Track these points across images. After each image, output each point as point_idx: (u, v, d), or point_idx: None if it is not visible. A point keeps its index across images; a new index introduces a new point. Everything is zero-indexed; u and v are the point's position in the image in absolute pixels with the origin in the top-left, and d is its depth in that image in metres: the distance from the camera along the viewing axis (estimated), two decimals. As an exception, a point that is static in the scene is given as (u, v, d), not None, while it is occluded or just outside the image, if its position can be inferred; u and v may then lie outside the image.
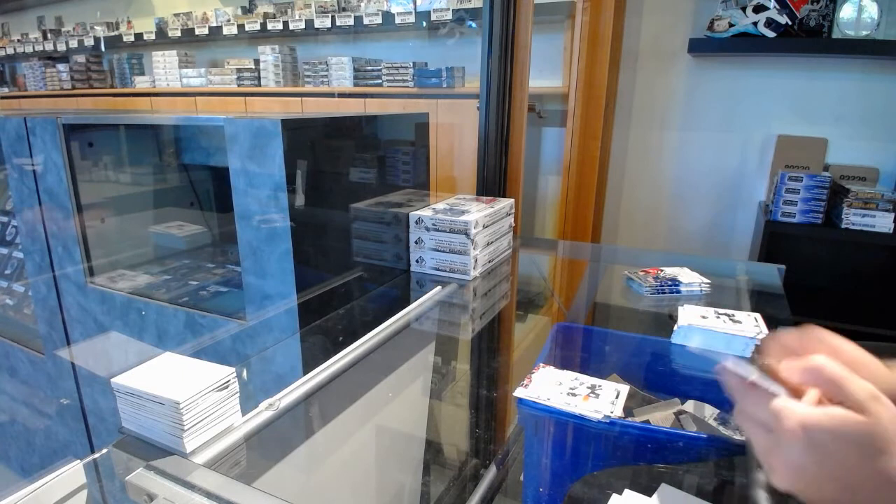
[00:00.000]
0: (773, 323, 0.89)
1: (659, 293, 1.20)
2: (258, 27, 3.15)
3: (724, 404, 0.82)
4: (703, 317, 0.93)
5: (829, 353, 0.48)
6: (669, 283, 1.22)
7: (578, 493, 0.65)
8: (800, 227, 2.04)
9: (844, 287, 2.27)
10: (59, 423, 1.87)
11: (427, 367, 1.17)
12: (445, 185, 2.38)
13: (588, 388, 0.72)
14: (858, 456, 0.41)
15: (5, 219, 2.15)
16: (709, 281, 1.23)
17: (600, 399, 0.69)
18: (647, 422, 0.79)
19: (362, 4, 2.86)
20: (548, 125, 2.65)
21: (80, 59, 4.05)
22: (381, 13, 2.74)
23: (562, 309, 1.37)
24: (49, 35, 4.34)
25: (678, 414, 0.81)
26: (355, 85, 2.85)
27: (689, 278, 1.24)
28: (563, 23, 2.52)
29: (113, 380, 0.67)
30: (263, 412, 0.75)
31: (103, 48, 4.01)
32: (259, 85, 3.21)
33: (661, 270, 1.29)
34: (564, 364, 0.85)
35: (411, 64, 2.65)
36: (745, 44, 2.13)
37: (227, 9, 3.36)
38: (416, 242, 1.35)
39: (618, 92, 2.54)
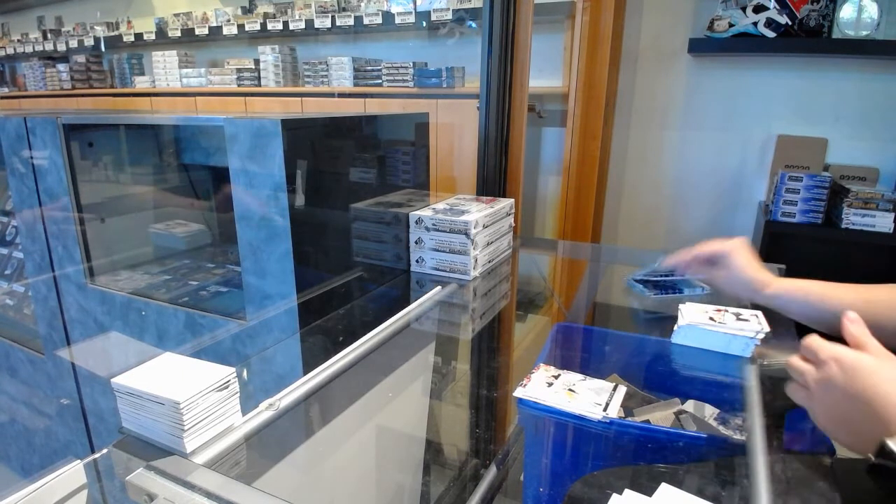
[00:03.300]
0: (773, 322, 0.89)
1: (659, 293, 1.20)
2: (258, 27, 3.15)
3: (723, 404, 0.82)
4: (704, 316, 0.93)
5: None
6: (670, 283, 1.22)
7: (578, 493, 0.65)
8: (800, 227, 2.04)
9: (844, 287, 2.26)
10: (59, 423, 1.87)
11: (427, 367, 1.17)
12: (445, 185, 2.38)
13: (587, 387, 0.72)
14: (863, 380, 0.54)
15: (5, 219, 2.15)
16: (709, 281, 1.22)
17: (599, 398, 0.69)
18: (647, 422, 0.79)
19: (362, 4, 2.86)
20: (548, 125, 2.65)
21: (80, 59, 4.05)
22: (381, 13, 2.74)
23: (562, 309, 1.37)
24: (49, 35, 4.34)
25: (678, 414, 0.81)
26: (355, 85, 2.85)
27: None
28: (563, 23, 2.52)
29: (113, 380, 0.67)
30: (263, 412, 0.75)
31: (103, 48, 4.01)
32: (259, 85, 3.21)
33: (662, 270, 1.28)
34: (564, 364, 0.85)
35: (411, 64, 2.65)
36: (745, 44, 2.13)
37: (227, 9, 3.36)
38: (416, 242, 1.35)
39: (618, 92, 2.54)
